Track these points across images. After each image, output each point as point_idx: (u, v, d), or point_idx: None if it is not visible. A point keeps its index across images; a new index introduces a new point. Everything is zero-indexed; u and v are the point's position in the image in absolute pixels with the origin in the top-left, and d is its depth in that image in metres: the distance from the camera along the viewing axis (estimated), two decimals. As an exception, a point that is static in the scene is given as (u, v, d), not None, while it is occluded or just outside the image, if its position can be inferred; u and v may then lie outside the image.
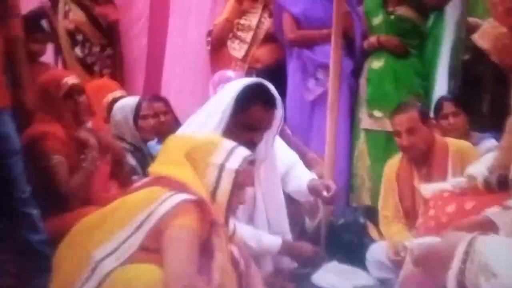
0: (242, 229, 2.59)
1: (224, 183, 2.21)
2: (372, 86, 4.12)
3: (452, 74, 4.01)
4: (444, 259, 1.38)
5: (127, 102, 3.81)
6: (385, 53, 4.11)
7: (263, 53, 4.38)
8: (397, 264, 2.91)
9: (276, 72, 4.20)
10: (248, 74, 4.17)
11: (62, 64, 4.63)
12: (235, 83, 2.84)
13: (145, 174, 3.54)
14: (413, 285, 1.95)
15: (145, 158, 3.69)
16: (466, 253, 1.34)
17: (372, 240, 3.44)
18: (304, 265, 3.08)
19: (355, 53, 4.27)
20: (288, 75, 4.28)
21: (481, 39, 2.36)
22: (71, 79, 3.25)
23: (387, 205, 3.35)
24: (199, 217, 2.12)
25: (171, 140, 2.38)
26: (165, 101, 4.18)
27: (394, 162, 3.37)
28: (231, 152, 2.25)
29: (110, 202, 2.96)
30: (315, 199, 3.17)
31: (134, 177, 3.58)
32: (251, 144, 2.64)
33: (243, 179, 2.26)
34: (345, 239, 3.03)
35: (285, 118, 3.60)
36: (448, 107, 3.80)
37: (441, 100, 3.91)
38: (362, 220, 3.50)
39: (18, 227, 2.86)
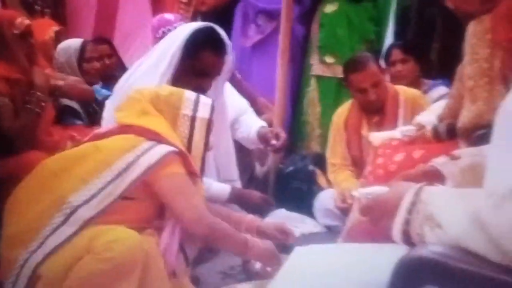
0: None
1: (198, 133, 2.28)
2: (324, 31, 4.11)
3: (402, 19, 4.03)
4: (390, 209, 1.38)
5: (71, 44, 3.74)
6: None
7: None
8: (344, 212, 2.96)
9: (222, 16, 4.15)
10: (194, 17, 4.11)
11: (1, 3, 4.44)
12: (184, 27, 2.78)
13: (90, 119, 3.51)
14: (359, 233, 1.98)
15: (89, 103, 3.62)
16: (412, 203, 1.34)
17: (320, 188, 3.49)
18: (253, 212, 3.10)
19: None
20: (234, 20, 4.23)
21: None
22: (26, 20, 3.14)
23: (335, 153, 3.39)
24: (184, 167, 2.19)
25: (137, 92, 2.37)
26: (109, 44, 4.11)
27: (343, 110, 3.39)
28: (197, 102, 2.31)
29: (54, 147, 2.95)
30: (265, 147, 3.18)
31: (78, 122, 3.53)
32: (200, 91, 2.60)
33: (212, 127, 2.33)
34: (293, 186, 3.05)
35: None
36: (397, 54, 3.82)
37: (390, 47, 3.92)
38: (310, 167, 3.54)
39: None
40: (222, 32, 2.78)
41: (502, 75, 2.17)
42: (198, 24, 2.82)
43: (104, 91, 3.71)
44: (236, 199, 2.91)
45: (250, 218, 2.53)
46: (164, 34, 3.29)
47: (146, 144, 2.17)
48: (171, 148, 2.17)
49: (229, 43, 2.83)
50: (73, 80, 3.48)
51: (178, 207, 2.14)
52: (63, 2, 4.72)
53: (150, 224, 2.20)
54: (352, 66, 3.32)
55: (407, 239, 1.34)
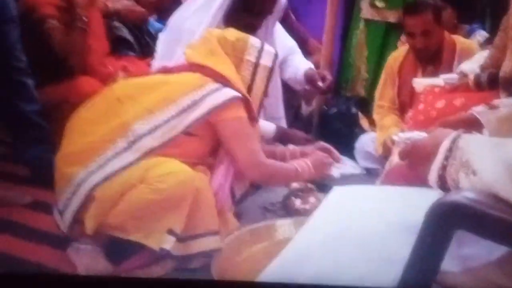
0: None
1: (259, 80, 2.29)
2: None
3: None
4: (428, 154, 1.37)
5: None
6: None
7: None
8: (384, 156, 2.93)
9: None
10: None
11: None
12: None
13: (143, 51, 3.53)
14: (397, 177, 1.97)
15: (143, 36, 3.63)
16: (449, 150, 1.33)
17: (362, 130, 3.45)
18: None
19: None
20: None
21: None
22: None
23: (384, 95, 3.31)
24: (246, 112, 2.21)
25: (207, 32, 2.38)
26: None
27: (398, 55, 3.28)
28: (261, 50, 2.30)
29: (107, 77, 2.98)
30: (311, 88, 3.15)
31: (131, 53, 3.54)
32: (251, 28, 2.59)
33: (272, 76, 2.35)
34: (336, 128, 3.04)
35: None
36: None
37: None
38: (353, 110, 3.50)
39: (12, 96, 2.84)
40: None
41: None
42: None
43: (158, 25, 3.69)
44: (280, 137, 2.91)
45: (292, 147, 2.59)
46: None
47: (213, 85, 2.18)
48: (236, 93, 2.18)
49: None
50: (128, 3, 3.49)
51: (237, 150, 2.18)
52: None
53: (203, 161, 2.23)
54: (408, 8, 3.23)
55: (443, 184, 1.33)
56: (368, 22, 4.03)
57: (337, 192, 1.61)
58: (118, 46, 3.44)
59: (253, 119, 2.25)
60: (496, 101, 1.76)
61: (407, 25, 3.14)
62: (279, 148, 2.61)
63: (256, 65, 2.28)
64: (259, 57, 2.29)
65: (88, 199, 2.05)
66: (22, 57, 2.83)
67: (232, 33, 2.37)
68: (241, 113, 2.19)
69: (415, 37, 3.11)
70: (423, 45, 3.10)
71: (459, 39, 3.24)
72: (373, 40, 4.00)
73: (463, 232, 1.24)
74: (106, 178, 2.04)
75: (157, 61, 2.73)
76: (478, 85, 2.36)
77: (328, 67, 3.52)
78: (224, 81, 2.20)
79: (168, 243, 2.01)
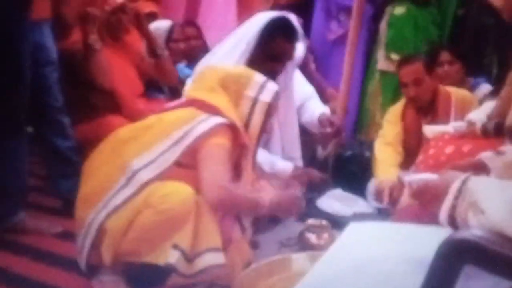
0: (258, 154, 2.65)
1: (257, 114, 2.28)
2: (392, 30, 4.11)
3: (458, 24, 3.99)
4: (439, 194, 1.41)
5: (160, 25, 3.82)
6: (408, 1, 4.07)
7: None
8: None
9: (299, 9, 4.18)
10: (273, 9, 4.16)
11: None
12: (260, 16, 2.81)
13: (172, 94, 3.61)
14: (409, 215, 2.01)
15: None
16: (459, 190, 1.37)
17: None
18: (311, 189, 3.14)
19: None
20: (314, 15, 4.25)
21: None
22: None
23: (388, 131, 3.34)
24: (232, 139, 2.19)
25: (208, 69, 2.41)
26: (196, 27, 4.15)
27: (398, 107, 3.37)
28: (263, 86, 2.30)
29: (138, 115, 3.05)
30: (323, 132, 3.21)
31: (161, 96, 3.63)
32: (273, 74, 2.65)
33: (272, 112, 2.33)
34: (350, 170, 3.07)
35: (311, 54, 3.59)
36: (445, 56, 3.78)
37: (438, 48, 3.89)
38: (367, 154, 3.54)
39: (48, 133, 2.93)
40: (294, 21, 2.82)
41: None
42: (272, 13, 2.85)
43: (188, 71, 3.78)
44: (297, 176, 2.92)
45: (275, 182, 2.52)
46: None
47: (203, 116, 2.19)
48: (222, 120, 2.17)
49: (301, 31, 2.85)
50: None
51: (202, 171, 2.11)
52: None
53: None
54: (401, 60, 3.35)
55: (453, 222, 1.37)
56: (383, 72, 4.14)
57: (353, 228, 1.64)
58: (149, 88, 3.54)
59: (244, 146, 2.24)
60: (503, 148, 1.81)
61: (400, 75, 3.24)
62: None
63: (255, 100, 2.28)
64: (259, 92, 2.29)
65: (100, 233, 2.07)
66: (59, 97, 2.93)
67: (237, 69, 2.41)
68: (222, 139, 2.16)
69: (407, 86, 3.19)
70: (415, 94, 3.18)
71: (453, 90, 3.31)
72: (386, 89, 4.11)
73: (471, 267, 1.27)
74: (112, 212, 2.06)
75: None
76: (485, 133, 2.41)
77: (343, 114, 3.59)
78: (214, 111, 2.20)
79: (173, 257, 1.98)
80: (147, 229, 2.02)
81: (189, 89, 2.38)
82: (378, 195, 3.01)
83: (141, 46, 3.53)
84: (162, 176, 2.10)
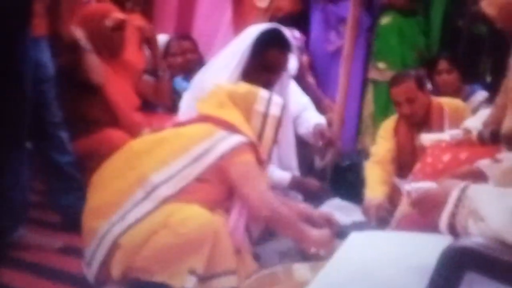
0: None
1: (268, 129, 2.34)
2: (379, 40, 4.15)
3: (451, 33, 4.03)
4: (439, 203, 1.44)
5: (158, 40, 3.83)
6: (393, 11, 4.11)
7: (286, 3, 4.36)
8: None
9: (297, 22, 4.22)
10: (270, 22, 4.19)
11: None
12: (253, 28, 2.83)
13: (169, 108, 3.63)
14: (408, 224, 2.03)
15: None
16: (459, 199, 1.39)
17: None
18: (310, 199, 3.15)
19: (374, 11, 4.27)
20: (311, 26, 4.29)
21: (488, 7, 2.36)
22: (119, 14, 3.30)
23: (379, 149, 3.36)
24: (254, 156, 2.25)
25: (217, 87, 2.44)
26: (192, 41, 4.17)
27: (392, 120, 3.39)
28: (270, 100, 2.36)
29: (135, 127, 3.07)
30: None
31: (159, 110, 3.65)
32: (268, 85, 2.67)
33: (280, 124, 2.37)
34: (348, 179, 3.09)
35: (310, 67, 3.60)
36: (443, 64, 3.82)
37: (436, 57, 3.93)
38: (365, 163, 3.56)
39: (48, 148, 2.95)
40: (286, 32, 2.83)
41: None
42: (265, 25, 2.87)
43: (185, 84, 3.80)
44: (296, 185, 2.95)
45: (302, 206, 2.58)
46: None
47: (222, 133, 2.23)
48: (244, 138, 2.23)
49: (293, 42, 2.87)
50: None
51: (246, 191, 2.19)
52: (153, 2, 4.75)
53: (220, 205, 2.26)
54: (392, 80, 3.35)
55: (453, 230, 1.40)
56: (375, 82, 4.18)
57: (354, 237, 1.66)
58: (146, 102, 3.56)
59: (261, 162, 2.30)
60: (500, 155, 1.83)
61: (392, 95, 3.25)
62: (290, 201, 2.60)
63: (265, 115, 2.34)
64: (268, 107, 2.34)
65: (113, 248, 2.08)
66: (58, 112, 2.95)
67: (243, 87, 2.44)
68: (249, 157, 2.23)
69: (401, 105, 3.21)
70: (410, 112, 3.19)
71: (445, 102, 3.33)
72: (378, 98, 4.13)
73: (472, 273, 1.29)
74: (128, 227, 2.07)
75: (180, 118, 2.79)
76: (481, 140, 2.43)
77: (340, 124, 3.62)
78: (232, 129, 2.25)
79: (190, 283, 2.02)
80: (163, 250, 2.04)
81: (200, 105, 2.41)
82: (366, 214, 3.02)
83: (139, 64, 3.56)
84: (181, 191, 2.13)
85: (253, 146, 2.26)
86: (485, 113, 2.59)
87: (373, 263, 1.49)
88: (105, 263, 2.10)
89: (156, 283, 2.06)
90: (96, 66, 3.16)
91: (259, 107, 2.34)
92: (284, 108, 2.41)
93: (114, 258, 2.07)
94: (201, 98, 2.46)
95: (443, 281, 1.29)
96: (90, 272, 2.14)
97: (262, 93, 2.39)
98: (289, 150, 3.06)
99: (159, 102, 3.67)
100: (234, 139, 2.22)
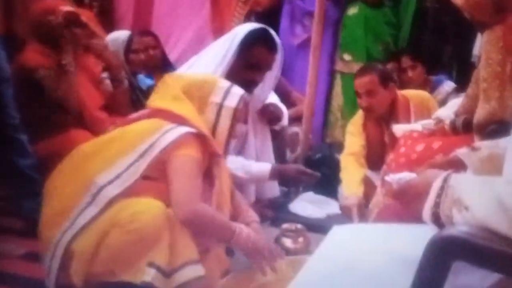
0: (229, 161, 2.63)
1: (223, 120, 2.26)
2: (345, 31, 4.21)
3: (420, 24, 4.09)
4: (421, 193, 1.45)
5: (119, 35, 3.79)
6: (360, 2, 4.16)
7: None
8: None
9: (274, 16, 4.26)
10: (248, 16, 4.20)
11: None
12: (241, 28, 2.88)
13: (133, 106, 3.59)
14: (388, 215, 2.06)
15: (133, 90, 3.70)
16: (441, 188, 1.41)
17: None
18: (293, 185, 3.17)
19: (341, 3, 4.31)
20: (281, 20, 4.32)
21: None
22: (66, 8, 3.21)
23: (351, 143, 3.41)
24: (200, 148, 2.17)
25: (170, 77, 2.38)
26: (154, 36, 4.14)
27: (361, 115, 3.44)
28: (228, 91, 2.29)
29: (99, 124, 3.00)
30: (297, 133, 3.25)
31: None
32: (253, 83, 2.72)
33: (239, 116, 2.32)
34: (320, 172, 3.12)
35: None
36: (406, 62, 3.91)
37: (398, 55, 3.99)
38: (336, 155, 3.60)
39: (7, 152, 2.89)
40: (274, 33, 2.88)
41: (512, 78, 2.28)
42: (252, 25, 2.92)
43: (148, 81, 3.78)
44: (277, 174, 2.94)
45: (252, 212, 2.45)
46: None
47: (168, 126, 2.17)
48: (189, 129, 2.15)
49: (280, 43, 2.91)
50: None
51: (172, 188, 2.09)
52: None
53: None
54: (357, 71, 3.41)
55: (437, 220, 1.40)
56: (342, 73, 4.22)
57: (337, 231, 1.67)
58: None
59: (214, 154, 2.24)
60: (477, 144, 1.87)
61: (355, 85, 3.31)
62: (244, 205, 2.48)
63: (220, 106, 2.26)
64: (224, 98, 2.27)
65: (67, 255, 2.04)
66: (15, 114, 2.89)
67: (200, 77, 2.38)
68: (190, 150, 2.13)
69: (361, 97, 3.27)
70: (368, 104, 3.25)
71: (411, 95, 3.39)
72: (346, 90, 4.18)
73: (458, 262, 1.32)
74: (78, 233, 2.03)
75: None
76: (454, 129, 2.49)
77: (310, 117, 3.65)
78: (181, 121, 2.18)
79: (149, 275, 1.97)
80: (119, 249, 2.00)
81: (152, 98, 2.34)
82: (346, 212, 3.05)
83: (99, 69, 3.51)
84: (130, 191, 2.07)
85: (200, 138, 2.18)
86: (456, 102, 2.66)
87: (358, 256, 1.50)
88: (64, 271, 2.06)
89: (124, 283, 2.03)
90: (75, 92, 3.13)
91: (215, 97, 2.27)
92: (242, 99, 2.30)
93: (71, 265, 2.03)
94: (154, 90, 2.39)
95: (431, 270, 1.30)
96: (50, 282, 2.10)
97: (221, 83, 2.33)
98: (265, 145, 3.08)
99: (115, 111, 3.61)
100: (178, 131, 2.14)
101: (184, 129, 2.15)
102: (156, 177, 2.14)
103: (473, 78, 2.48)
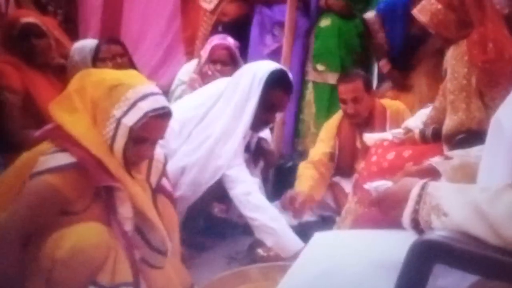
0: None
1: (119, 138, 2.05)
2: (318, 42, 4.28)
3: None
4: (400, 200, 1.50)
5: (86, 44, 3.75)
6: (332, 14, 4.26)
7: (232, 8, 4.42)
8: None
9: (241, 26, 4.31)
10: (215, 26, 4.23)
11: (15, 3, 4.40)
12: (257, 66, 2.96)
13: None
14: (366, 223, 2.13)
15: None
16: (419, 195, 1.47)
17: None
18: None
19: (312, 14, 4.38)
20: (251, 30, 4.37)
21: (420, 14, 2.54)
22: (26, 19, 3.20)
23: (316, 151, 3.49)
24: (75, 179, 2.01)
25: (81, 74, 2.17)
26: (122, 44, 4.12)
27: (335, 120, 3.52)
28: (133, 105, 2.04)
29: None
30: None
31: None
32: (267, 124, 2.90)
33: (145, 133, 2.07)
34: (291, 180, 3.17)
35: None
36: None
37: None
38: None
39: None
40: (289, 74, 2.99)
41: (478, 90, 2.41)
42: (271, 65, 2.98)
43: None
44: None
45: None
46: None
47: (46, 155, 2.02)
48: (64, 162, 1.99)
49: (293, 84, 3.03)
50: None
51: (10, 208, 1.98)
52: (76, 3, 4.68)
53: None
54: (341, 77, 3.51)
55: (416, 226, 1.46)
56: (314, 83, 4.31)
57: (318, 237, 1.72)
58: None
59: (103, 184, 2.06)
60: (449, 153, 1.96)
61: (340, 92, 3.40)
62: None
63: (118, 123, 2.03)
64: (124, 114, 2.03)
65: None
66: None
67: (115, 78, 2.11)
68: (57, 180, 1.96)
69: (346, 103, 3.36)
70: (354, 111, 3.34)
71: (388, 104, 3.52)
72: (319, 99, 4.27)
73: (438, 266, 1.39)
74: None
75: None
76: (423, 138, 2.59)
77: (281, 126, 3.72)
78: (68, 141, 2.03)
79: None
80: (68, 284, 1.97)
81: (52, 108, 2.12)
82: (288, 202, 3.12)
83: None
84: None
85: (82, 168, 2.00)
86: (423, 112, 2.76)
87: (340, 262, 1.54)
88: None
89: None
90: (17, 122, 3.10)
91: (116, 111, 2.03)
92: (145, 117, 2.04)
93: None
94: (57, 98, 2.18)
95: (413, 275, 1.36)
96: None
97: (130, 93, 2.05)
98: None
99: None
100: (52, 161, 1.98)
101: (58, 160, 1.99)
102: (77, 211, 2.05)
103: (440, 91, 2.59)
